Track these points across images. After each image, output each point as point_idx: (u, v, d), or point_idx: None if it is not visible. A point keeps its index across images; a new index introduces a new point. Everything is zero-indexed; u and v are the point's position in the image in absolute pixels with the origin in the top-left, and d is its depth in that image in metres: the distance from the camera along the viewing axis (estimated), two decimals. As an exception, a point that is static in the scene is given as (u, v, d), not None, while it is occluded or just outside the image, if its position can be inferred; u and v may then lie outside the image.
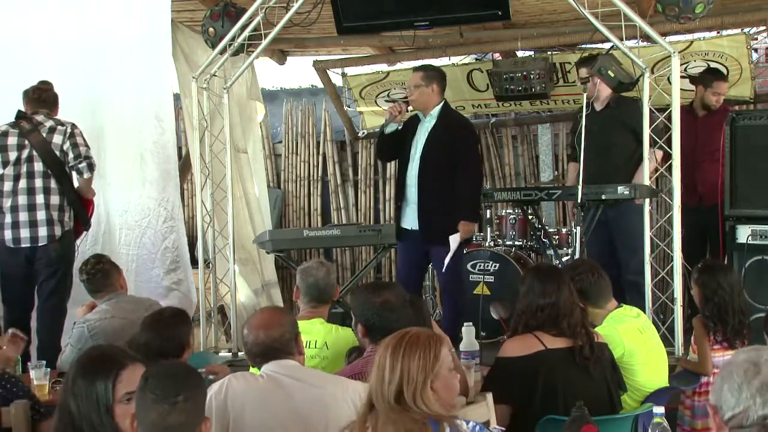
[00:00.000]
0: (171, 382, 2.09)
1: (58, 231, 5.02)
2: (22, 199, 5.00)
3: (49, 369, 3.78)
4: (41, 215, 4.99)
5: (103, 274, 4.42)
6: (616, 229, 5.41)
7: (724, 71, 6.33)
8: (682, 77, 5.37)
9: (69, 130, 5.07)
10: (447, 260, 5.09)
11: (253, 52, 5.80)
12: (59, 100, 5.24)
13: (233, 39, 5.55)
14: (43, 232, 4.99)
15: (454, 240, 5.06)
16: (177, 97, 6.46)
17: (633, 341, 3.50)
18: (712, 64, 6.44)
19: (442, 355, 2.30)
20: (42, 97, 5.15)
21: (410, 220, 5.29)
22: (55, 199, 5.03)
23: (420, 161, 5.20)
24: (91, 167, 5.09)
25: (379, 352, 2.33)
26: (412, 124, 5.35)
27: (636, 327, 3.59)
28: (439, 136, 5.18)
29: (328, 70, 7.64)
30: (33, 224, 4.99)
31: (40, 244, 5.00)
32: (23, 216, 4.99)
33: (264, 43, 5.56)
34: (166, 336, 3.24)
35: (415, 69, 5.49)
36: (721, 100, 5.92)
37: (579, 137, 5.11)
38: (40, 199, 5.00)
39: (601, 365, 3.25)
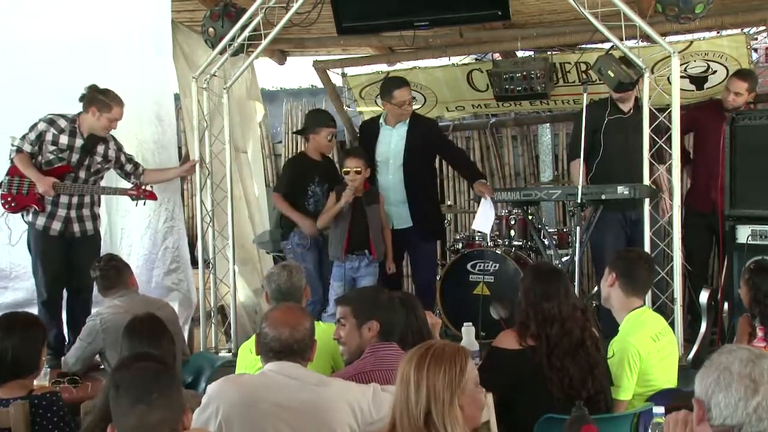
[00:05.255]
0: (142, 382, 2.08)
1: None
2: None
3: (49, 369, 3.77)
4: None
5: (116, 270, 4.48)
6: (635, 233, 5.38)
7: (725, 71, 6.32)
8: (682, 77, 5.35)
9: None
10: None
11: (252, 52, 5.80)
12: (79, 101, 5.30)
13: (233, 39, 5.55)
14: None
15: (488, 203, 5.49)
16: (177, 97, 6.46)
17: (644, 349, 3.43)
18: (712, 65, 6.43)
19: (468, 368, 2.21)
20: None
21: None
22: None
23: (403, 166, 5.49)
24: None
25: (402, 366, 2.22)
26: (372, 130, 5.62)
27: (649, 335, 3.50)
28: (416, 141, 5.49)
29: (328, 70, 7.62)
30: None
31: None
32: None
33: (264, 43, 5.56)
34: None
35: (406, 83, 5.67)
36: (738, 100, 5.55)
37: (603, 134, 5.27)
38: None
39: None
